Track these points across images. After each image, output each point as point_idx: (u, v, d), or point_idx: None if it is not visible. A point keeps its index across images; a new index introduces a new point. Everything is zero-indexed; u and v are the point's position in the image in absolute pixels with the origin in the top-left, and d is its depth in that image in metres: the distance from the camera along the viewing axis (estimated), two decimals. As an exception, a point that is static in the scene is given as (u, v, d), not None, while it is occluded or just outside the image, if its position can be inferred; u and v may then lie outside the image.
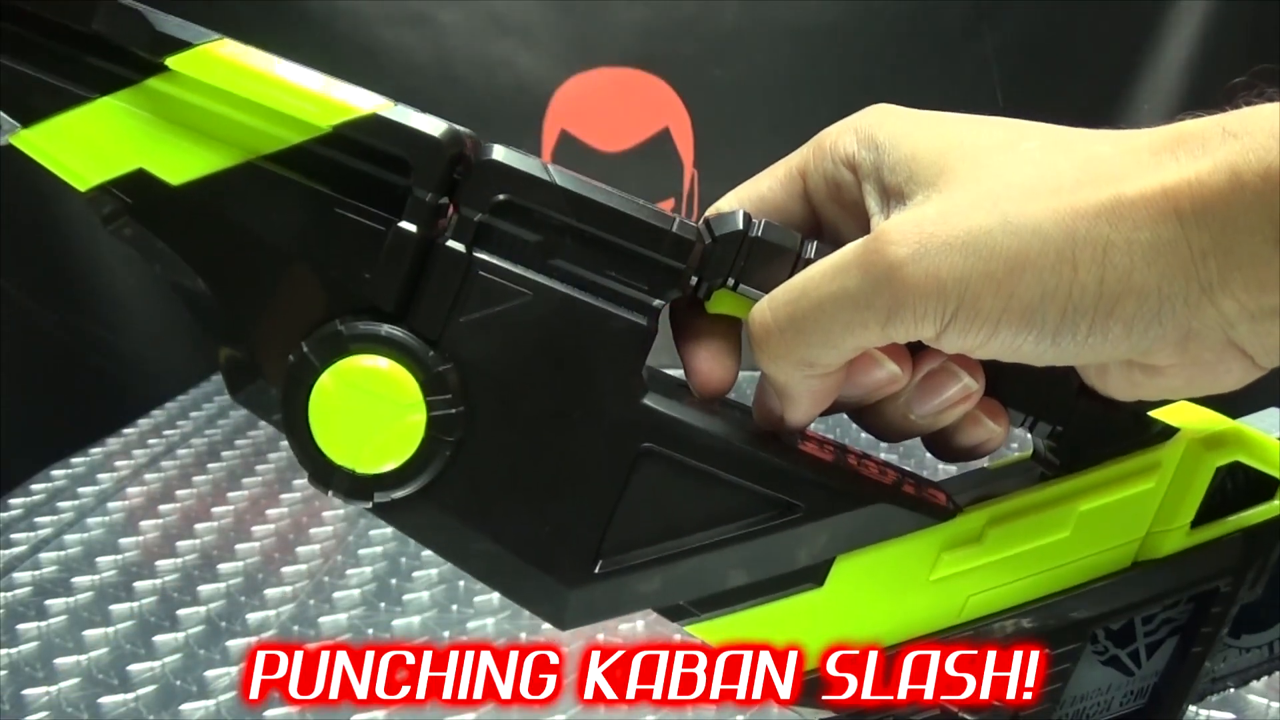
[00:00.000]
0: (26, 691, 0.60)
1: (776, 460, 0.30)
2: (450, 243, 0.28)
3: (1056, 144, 0.26)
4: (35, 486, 0.93)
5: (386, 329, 0.27)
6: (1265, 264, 0.23)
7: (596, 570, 0.30)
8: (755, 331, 0.28)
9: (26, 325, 1.17)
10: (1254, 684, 0.59)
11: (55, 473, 0.96)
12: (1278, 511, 0.32)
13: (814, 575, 0.30)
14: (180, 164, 0.27)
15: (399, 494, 0.28)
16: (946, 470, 0.75)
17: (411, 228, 0.27)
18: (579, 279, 0.28)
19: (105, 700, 0.60)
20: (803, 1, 1.30)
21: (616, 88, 1.34)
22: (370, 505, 0.29)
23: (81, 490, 0.92)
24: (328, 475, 0.28)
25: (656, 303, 0.29)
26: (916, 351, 0.29)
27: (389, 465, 0.28)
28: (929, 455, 0.32)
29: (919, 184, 0.26)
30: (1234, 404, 0.32)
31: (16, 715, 0.58)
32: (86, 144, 0.27)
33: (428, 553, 0.35)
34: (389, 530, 0.82)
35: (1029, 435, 0.32)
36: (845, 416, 0.31)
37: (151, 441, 1.05)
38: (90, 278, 1.24)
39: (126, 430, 1.08)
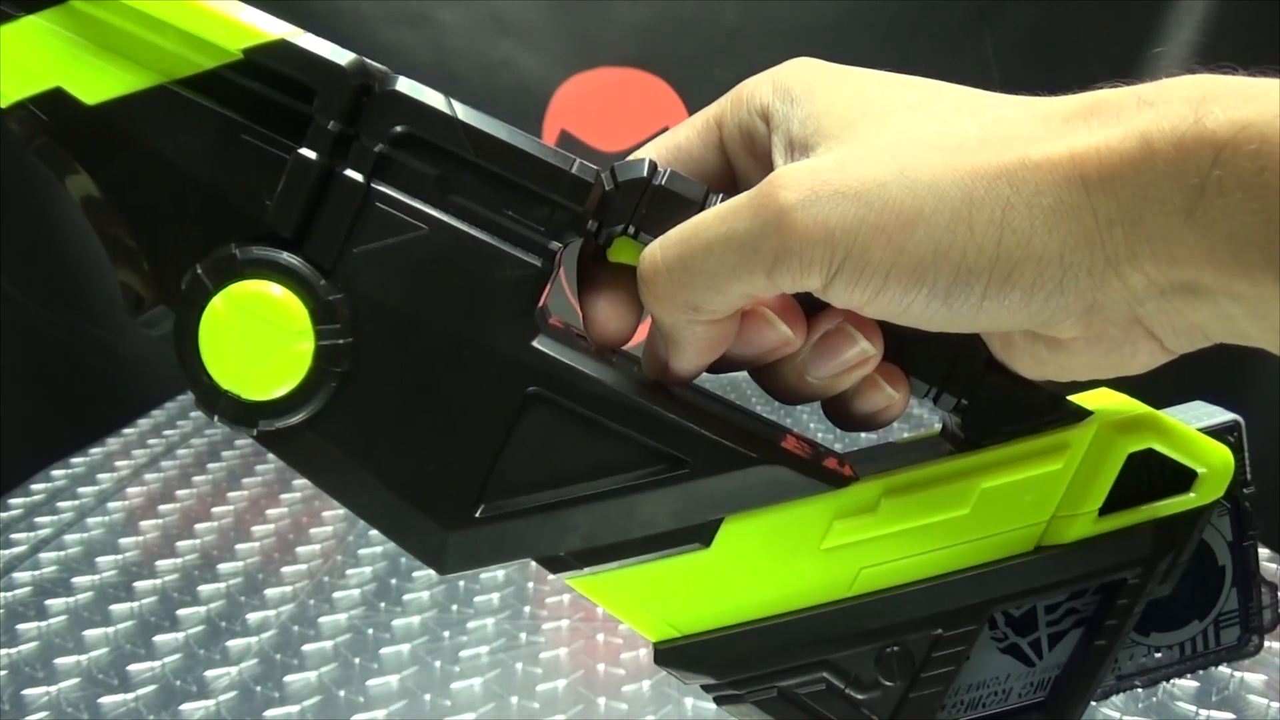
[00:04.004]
0: (26, 691, 0.60)
1: (665, 413, 0.29)
2: (348, 172, 0.28)
3: (968, 105, 0.26)
4: (35, 486, 0.93)
5: (280, 255, 0.28)
6: (1175, 237, 0.22)
7: (478, 514, 0.29)
8: (644, 271, 0.28)
9: (26, 325, 1.17)
10: (1254, 684, 0.60)
11: (55, 473, 0.96)
12: (1192, 504, 0.30)
13: (701, 535, 0.30)
14: (96, 84, 0.27)
15: (283, 423, 0.28)
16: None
17: (311, 155, 0.27)
18: (476, 216, 0.28)
19: (105, 700, 0.60)
20: (803, 1, 1.30)
21: (616, 88, 1.35)
22: (255, 433, 0.29)
23: (81, 490, 0.92)
24: (214, 399, 0.28)
25: (553, 245, 0.29)
26: (813, 313, 0.28)
27: (275, 393, 0.28)
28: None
29: (824, 136, 0.26)
30: (1162, 396, 0.31)
31: (16, 715, 0.58)
32: (10, 60, 0.27)
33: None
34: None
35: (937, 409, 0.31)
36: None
37: (151, 441, 1.05)
38: (90, 278, 1.24)
39: (126, 430, 1.08)
